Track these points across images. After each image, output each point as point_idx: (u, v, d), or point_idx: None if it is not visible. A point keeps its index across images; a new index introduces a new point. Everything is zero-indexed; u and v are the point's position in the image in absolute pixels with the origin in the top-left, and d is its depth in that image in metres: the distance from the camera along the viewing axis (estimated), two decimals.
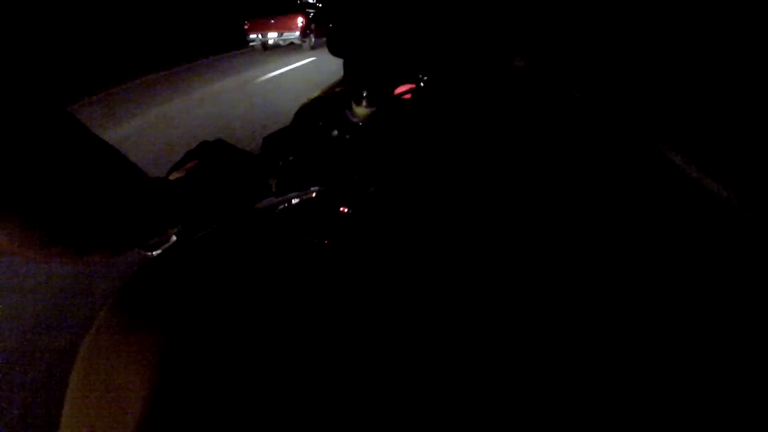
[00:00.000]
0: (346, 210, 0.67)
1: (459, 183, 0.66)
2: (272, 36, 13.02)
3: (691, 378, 0.51)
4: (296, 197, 0.69)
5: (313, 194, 0.69)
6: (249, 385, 0.48)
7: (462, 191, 0.66)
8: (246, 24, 13.52)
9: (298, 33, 12.55)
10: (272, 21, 12.93)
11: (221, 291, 0.55)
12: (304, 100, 0.74)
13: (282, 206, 0.68)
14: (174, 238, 0.61)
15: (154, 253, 0.61)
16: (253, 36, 13.42)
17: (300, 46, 12.70)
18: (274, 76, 9.13)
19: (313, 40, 12.48)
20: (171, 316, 0.52)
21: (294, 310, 0.54)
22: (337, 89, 0.71)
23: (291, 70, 9.80)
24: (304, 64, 10.26)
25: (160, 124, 5.91)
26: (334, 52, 0.68)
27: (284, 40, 12.87)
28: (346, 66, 0.71)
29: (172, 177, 0.64)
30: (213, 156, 0.65)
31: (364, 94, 0.66)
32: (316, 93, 0.81)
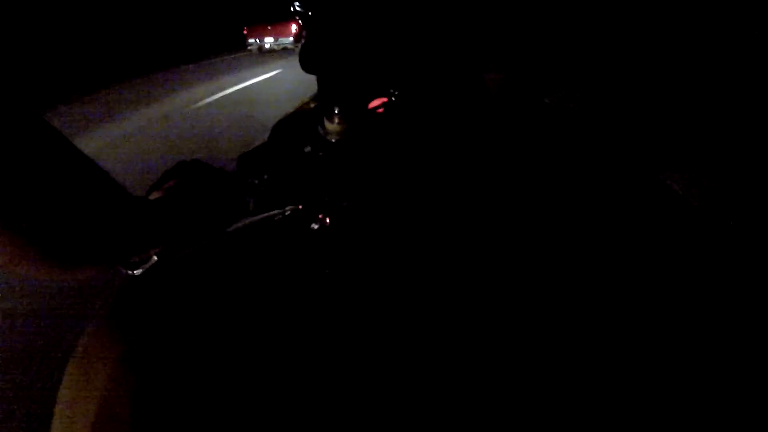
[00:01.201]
0: (324, 220, 0.64)
1: (434, 193, 0.63)
2: (269, 41, 13.27)
3: (685, 378, 0.48)
4: (272, 216, 0.66)
5: (288, 213, 0.65)
6: (230, 404, 0.46)
7: (437, 201, 0.62)
8: (245, 30, 13.59)
9: (291, 38, 12.78)
10: (269, 27, 13.12)
11: (205, 311, 0.53)
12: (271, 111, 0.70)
13: (259, 226, 0.64)
14: (155, 257, 0.58)
15: (135, 272, 0.58)
16: (251, 41, 13.64)
17: (292, 50, 12.67)
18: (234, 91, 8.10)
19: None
20: (155, 337, 0.50)
21: (277, 322, 0.52)
22: (312, 105, 0.67)
23: (260, 81, 8.99)
24: (271, 76, 9.42)
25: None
26: (307, 68, 0.63)
27: (279, 44, 13.12)
28: (319, 82, 0.66)
29: (151, 197, 0.60)
30: (190, 176, 0.61)
31: (336, 111, 0.62)
32: (291, 108, 0.77)
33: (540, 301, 0.53)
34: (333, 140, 0.63)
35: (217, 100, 7.27)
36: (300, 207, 0.66)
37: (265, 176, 0.63)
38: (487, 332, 0.52)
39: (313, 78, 0.67)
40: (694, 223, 0.59)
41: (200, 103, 7.08)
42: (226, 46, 14.25)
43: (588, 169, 0.66)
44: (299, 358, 0.49)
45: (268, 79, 9.08)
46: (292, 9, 0.65)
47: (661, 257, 0.57)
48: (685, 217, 0.59)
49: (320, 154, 0.64)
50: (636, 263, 0.57)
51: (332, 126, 0.63)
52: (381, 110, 0.66)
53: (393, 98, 0.65)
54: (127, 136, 5.41)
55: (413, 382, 0.48)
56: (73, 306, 2.09)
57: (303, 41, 0.65)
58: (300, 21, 0.66)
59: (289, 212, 0.65)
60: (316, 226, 0.63)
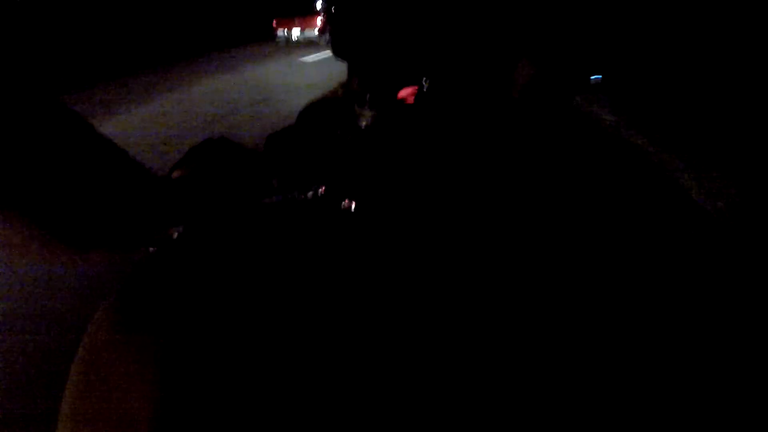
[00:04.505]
0: (349, 205, 0.56)
1: (459, 184, 0.56)
2: (295, 33, 13.11)
3: (687, 378, 0.42)
4: (298, 196, 0.58)
5: (315, 193, 0.58)
6: (250, 384, 0.39)
7: (462, 193, 0.55)
8: (274, 22, 13.51)
9: (316, 31, 12.58)
10: (296, 20, 12.98)
11: (220, 288, 0.46)
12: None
13: (283, 204, 0.57)
14: (175, 236, 0.51)
15: (153, 249, 0.51)
16: (279, 32, 13.48)
17: (317, 42, 12.52)
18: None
19: (328, 37, 12.32)
20: (170, 313, 0.42)
21: (295, 307, 0.45)
22: (340, 91, 0.59)
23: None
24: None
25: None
26: (338, 54, 0.55)
27: (305, 36, 12.99)
28: (349, 68, 0.58)
29: (175, 175, 0.53)
30: (216, 154, 0.54)
31: (367, 97, 0.54)
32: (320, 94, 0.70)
33: (564, 299, 0.47)
34: (363, 125, 0.56)
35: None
36: (323, 190, 0.58)
37: (293, 157, 0.56)
38: (508, 329, 0.46)
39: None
40: (709, 233, 0.51)
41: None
42: (256, 37, 13.98)
43: (604, 173, 0.58)
44: (321, 343, 0.43)
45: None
46: (315, 4, 0.57)
47: (674, 264, 0.50)
48: (701, 226, 0.52)
49: (349, 137, 0.56)
50: (650, 270, 0.50)
51: (362, 111, 0.55)
52: (411, 99, 0.58)
53: (424, 87, 0.58)
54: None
55: (434, 374, 0.42)
56: (75, 306, 1.94)
57: (328, 34, 0.57)
58: (324, 16, 0.58)
59: (311, 194, 0.58)
60: (340, 210, 0.55)
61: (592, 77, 0.52)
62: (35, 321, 1.96)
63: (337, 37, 0.58)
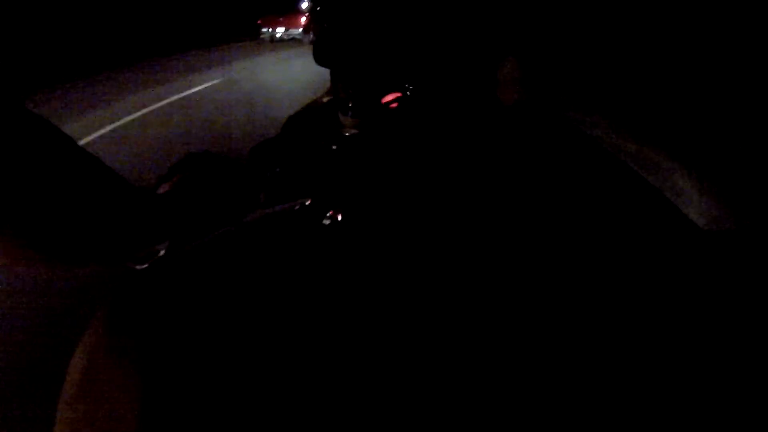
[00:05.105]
0: (335, 216, 0.56)
1: (447, 191, 0.55)
2: (280, 31, 13.14)
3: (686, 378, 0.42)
4: (285, 208, 0.57)
5: (302, 205, 0.57)
6: (238, 397, 0.39)
7: (448, 197, 0.54)
8: (260, 20, 13.71)
9: (301, 30, 12.59)
10: (281, 19, 13.00)
11: (210, 303, 0.45)
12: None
13: (271, 218, 0.56)
14: (162, 252, 0.50)
15: (140, 266, 0.50)
16: (264, 30, 13.53)
17: (300, 40, 12.54)
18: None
19: (311, 36, 12.30)
20: (160, 322, 0.43)
21: (282, 319, 0.44)
22: (324, 99, 0.58)
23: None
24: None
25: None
26: (320, 62, 0.54)
27: (289, 34, 13.07)
28: (332, 76, 0.57)
29: (159, 190, 0.51)
30: (200, 168, 0.53)
31: (350, 105, 0.53)
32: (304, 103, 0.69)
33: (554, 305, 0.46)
34: (347, 134, 0.55)
35: None
36: (309, 202, 0.57)
37: (277, 169, 0.54)
38: (495, 332, 0.45)
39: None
40: (702, 245, 0.51)
41: None
42: (241, 35, 13.87)
43: (593, 180, 0.57)
44: (306, 357, 0.43)
45: None
46: (302, 4, 0.56)
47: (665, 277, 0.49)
48: (692, 238, 0.51)
49: (334, 147, 0.55)
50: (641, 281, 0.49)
51: (347, 119, 0.54)
52: (395, 105, 0.57)
53: (407, 93, 0.57)
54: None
55: (424, 379, 0.41)
56: (73, 306, 1.88)
57: (311, 33, 0.56)
58: (309, 15, 0.57)
59: (298, 207, 0.57)
60: (326, 222, 0.55)
61: None
62: (35, 321, 1.94)
63: (318, 45, 0.57)
